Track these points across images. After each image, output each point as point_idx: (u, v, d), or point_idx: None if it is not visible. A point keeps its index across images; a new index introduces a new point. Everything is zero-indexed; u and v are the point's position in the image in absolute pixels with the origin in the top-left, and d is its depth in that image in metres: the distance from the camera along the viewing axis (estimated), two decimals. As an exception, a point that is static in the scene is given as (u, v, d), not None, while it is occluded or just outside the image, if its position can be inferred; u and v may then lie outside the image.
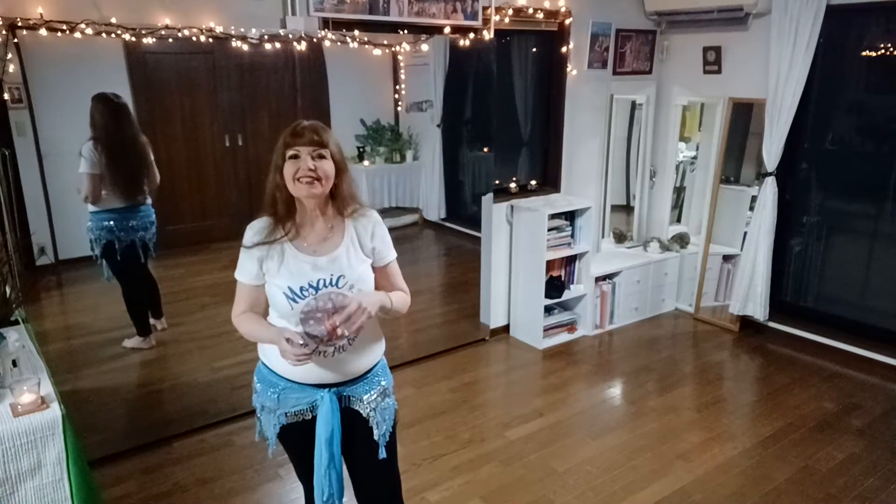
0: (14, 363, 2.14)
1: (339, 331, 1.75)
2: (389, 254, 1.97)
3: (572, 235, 4.38)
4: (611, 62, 4.63)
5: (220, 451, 3.16)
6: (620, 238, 5.08)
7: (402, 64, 3.92)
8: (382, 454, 1.95)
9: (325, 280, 1.81)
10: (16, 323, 2.44)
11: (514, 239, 4.41)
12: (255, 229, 1.86)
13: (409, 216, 4.27)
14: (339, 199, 1.86)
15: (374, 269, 1.93)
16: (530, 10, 4.07)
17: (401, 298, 1.97)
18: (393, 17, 3.49)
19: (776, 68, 4.08)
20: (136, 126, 3.02)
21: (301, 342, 1.72)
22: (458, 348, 4.30)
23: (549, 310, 4.42)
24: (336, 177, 1.82)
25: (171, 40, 2.92)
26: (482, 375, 4.00)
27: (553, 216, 4.21)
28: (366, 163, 3.94)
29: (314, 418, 1.90)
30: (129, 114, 2.97)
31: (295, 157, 1.76)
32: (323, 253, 1.84)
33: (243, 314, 1.90)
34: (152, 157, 3.09)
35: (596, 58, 4.53)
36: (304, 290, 1.80)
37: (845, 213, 4.36)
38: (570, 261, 4.45)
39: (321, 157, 1.78)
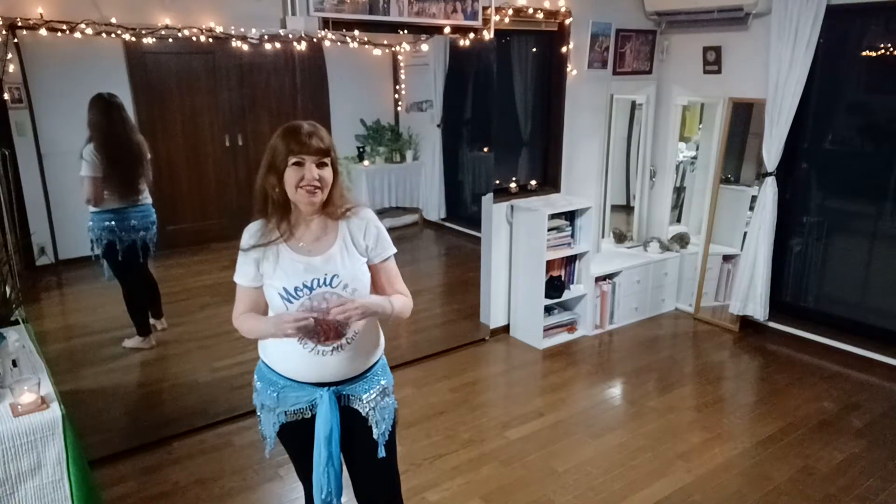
0: (14, 363, 2.14)
1: (337, 316, 1.74)
2: (386, 250, 1.94)
3: (572, 235, 4.38)
4: (611, 62, 4.63)
5: (220, 451, 3.15)
6: (620, 238, 5.08)
7: (402, 64, 3.92)
8: (381, 453, 1.95)
9: (319, 280, 1.81)
10: (16, 323, 2.44)
11: (514, 239, 4.41)
12: (250, 232, 1.87)
13: (409, 216, 4.27)
14: (332, 200, 1.85)
15: (372, 267, 1.92)
16: (530, 10, 4.07)
17: (403, 303, 1.96)
18: (393, 17, 3.49)
19: (776, 68, 4.07)
20: (131, 125, 3.01)
21: (297, 319, 1.73)
22: (458, 348, 4.30)
23: (549, 310, 4.42)
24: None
25: (171, 40, 2.92)
26: (482, 375, 4.00)
27: (553, 216, 4.21)
28: (366, 163, 3.94)
29: (314, 417, 1.90)
30: (122, 113, 2.96)
31: (299, 164, 1.75)
32: (317, 253, 1.84)
33: (242, 315, 1.91)
34: (149, 156, 3.09)
35: (596, 58, 4.53)
36: (299, 291, 1.80)
37: (845, 212, 4.36)
38: (570, 261, 4.45)
39: (323, 165, 1.78)
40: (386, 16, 3.47)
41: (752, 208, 4.51)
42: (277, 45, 3.17)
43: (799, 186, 4.48)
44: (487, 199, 4.23)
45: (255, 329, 1.88)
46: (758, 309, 4.42)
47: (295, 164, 1.75)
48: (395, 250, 1.96)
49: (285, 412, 1.92)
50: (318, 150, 1.76)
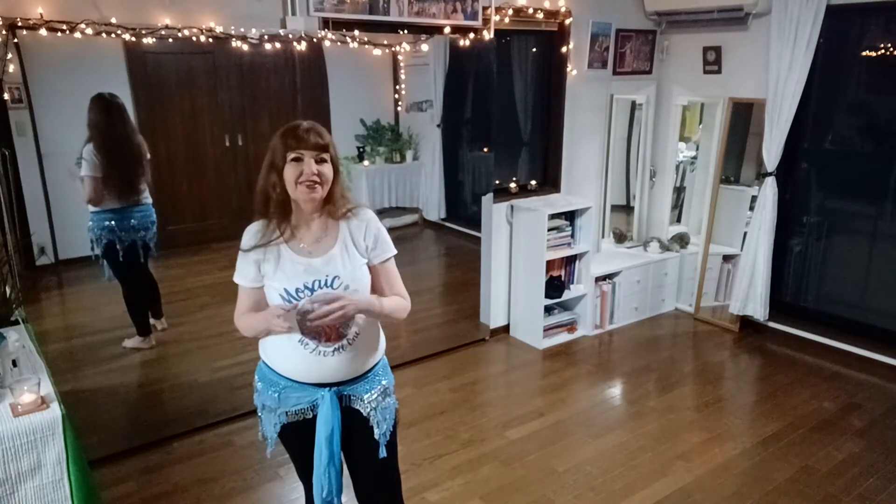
0: (14, 363, 2.14)
1: (323, 321, 1.73)
2: (386, 251, 1.93)
3: (572, 235, 4.38)
4: (611, 62, 4.63)
5: (220, 451, 3.15)
6: (620, 238, 5.08)
7: (402, 64, 3.92)
8: (382, 453, 1.95)
9: (319, 281, 1.81)
10: (16, 323, 2.44)
11: (514, 239, 4.41)
12: (251, 233, 1.87)
13: (409, 216, 4.27)
14: (333, 200, 1.85)
15: (372, 268, 1.92)
16: (530, 10, 4.07)
17: (395, 303, 1.94)
18: (393, 17, 3.49)
19: (776, 68, 4.08)
20: (131, 125, 3.01)
21: (285, 310, 1.74)
22: (458, 348, 4.30)
23: (549, 310, 4.42)
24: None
25: (171, 40, 2.92)
26: (482, 375, 4.00)
27: (553, 216, 4.21)
28: (366, 163, 3.94)
29: (315, 417, 1.90)
30: (122, 113, 2.96)
31: (297, 160, 1.76)
32: (317, 254, 1.84)
33: (243, 314, 1.91)
34: (148, 157, 3.08)
35: (596, 58, 4.53)
36: (300, 292, 1.80)
37: (845, 212, 4.36)
38: (570, 261, 4.45)
39: (322, 160, 1.78)
40: (386, 16, 3.47)
41: (752, 208, 4.51)
42: (277, 45, 3.17)
43: (799, 186, 4.49)
44: (487, 199, 4.23)
45: (251, 325, 1.88)
46: (758, 309, 4.42)
47: (294, 159, 1.75)
48: (395, 252, 1.95)
49: (286, 413, 1.92)
50: (316, 146, 1.76)
